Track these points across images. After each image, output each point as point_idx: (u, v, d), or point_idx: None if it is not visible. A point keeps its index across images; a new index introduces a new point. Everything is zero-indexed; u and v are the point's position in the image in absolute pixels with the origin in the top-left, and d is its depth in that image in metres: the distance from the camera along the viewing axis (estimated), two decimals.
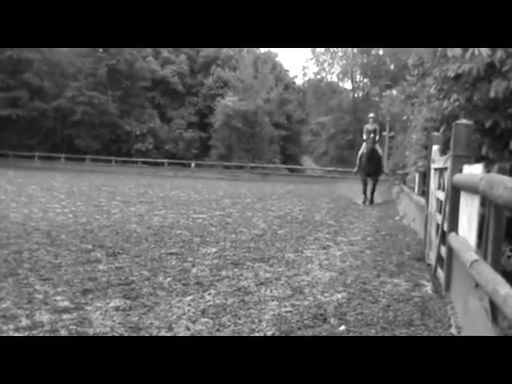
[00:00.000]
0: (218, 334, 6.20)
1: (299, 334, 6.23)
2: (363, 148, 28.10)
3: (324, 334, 6.24)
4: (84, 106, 68.68)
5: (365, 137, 27.68)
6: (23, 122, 68.15)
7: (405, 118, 23.50)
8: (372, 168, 27.48)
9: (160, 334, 6.12)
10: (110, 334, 6.03)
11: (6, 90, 67.01)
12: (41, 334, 5.92)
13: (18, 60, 67.21)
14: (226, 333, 6.25)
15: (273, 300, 7.79)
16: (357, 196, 29.42)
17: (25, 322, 6.38)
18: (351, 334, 6.20)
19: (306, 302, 7.70)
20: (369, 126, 27.74)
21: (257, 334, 6.20)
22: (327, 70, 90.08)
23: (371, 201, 27.72)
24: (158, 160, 69.65)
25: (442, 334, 6.14)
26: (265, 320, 6.78)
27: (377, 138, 27.76)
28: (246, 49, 77.65)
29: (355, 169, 29.30)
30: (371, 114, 29.10)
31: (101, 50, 71.05)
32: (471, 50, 9.60)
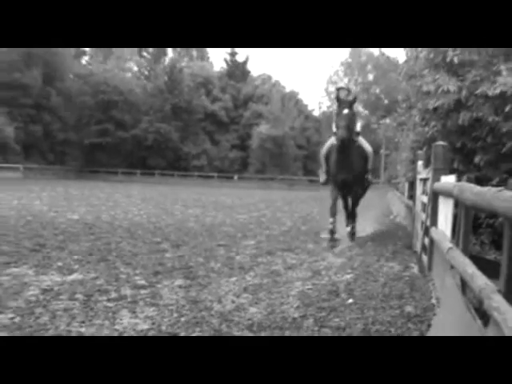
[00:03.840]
0: (257, 306, 6.23)
1: (318, 305, 6.23)
2: (330, 141, 12.68)
3: (337, 305, 6.24)
4: (154, 134, 69.52)
5: (334, 128, 12.09)
6: (110, 146, 69.26)
7: (396, 140, 23.42)
8: (349, 174, 12.06)
9: (211, 306, 6.17)
10: (174, 306, 6.08)
11: (99, 123, 68.35)
12: (125, 305, 6.00)
13: (108, 101, 68.30)
14: (263, 305, 6.27)
15: (297, 280, 7.78)
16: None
17: (113, 295, 6.47)
18: (357, 305, 6.19)
19: (323, 282, 7.69)
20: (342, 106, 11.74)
21: (285, 307, 6.21)
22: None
23: (351, 233, 12.64)
24: (210, 174, 70.05)
25: (425, 305, 6.12)
26: (291, 295, 6.78)
27: (358, 124, 12.52)
28: (275, 88, 77.68)
29: (321, 177, 13.02)
30: (341, 84, 11.67)
31: (167, 91, 71.54)
32: (442, 87, 9.87)
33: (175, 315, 5.67)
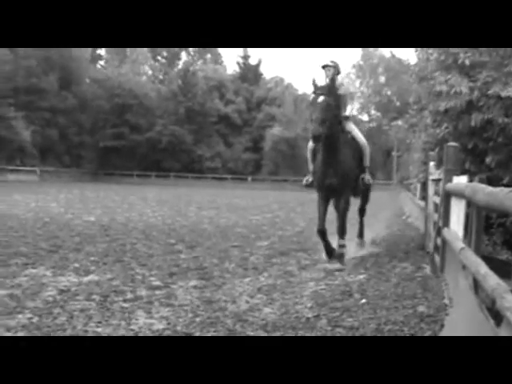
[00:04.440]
0: (271, 307, 6.23)
1: (331, 305, 6.22)
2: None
3: (350, 305, 6.23)
4: (168, 137, 69.88)
5: (312, 115, 8.97)
6: (125, 149, 69.73)
7: (408, 141, 23.36)
8: (337, 176, 9.29)
9: (226, 307, 6.17)
10: (189, 306, 6.09)
11: (114, 127, 68.85)
12: (140, 305, 6.02)
13: (123, 105, 68.75)
14: (277, 305, 6.27)
15: (311, 281, 7.77)
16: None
17: (129, 295, 6.49)
18: (370, 306, 6.17)
19: (336, 282, 7.68)
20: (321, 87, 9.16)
21: (299, 307, 6.20)
22: (349, 105, 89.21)
23: (339, 253, 9.37)
24: (223, 175, 70.16)
25: (438, 305, 6.09)
26: (305, 296, 6.78)
27: (347, 108, 10.22)
28: (287, 91, 77.65)
29: (306, 178, 10.19)
30: (328, 63, 9.60)
31: (181, 95, 71.85)
32: (454, 88, 9.83)
33: (190, 315, 5.68)
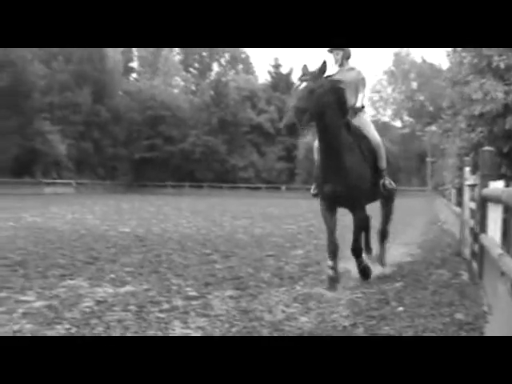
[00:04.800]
0: (307, 316, 6.19)
1: (367, 314, 6.16)
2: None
3: (387, 313, 6.17)
4: (201, 147, 70.38)
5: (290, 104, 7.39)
6: (159, 160, 70.44)
7: (442, 147, 23.12)
8: (340, 183, 7.54)
9: (262, 316, 6.16)
10: (225, 316, 6.09)
11: (148, 138, 69.61)
12: (176, 316, 6.04)
13: (156, 117, 69.52)
14: (313, 314, 6.23)
15: (347, 289, 7.72)
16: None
17: (165, 306, 6.51)
18: (408, 313, 6.11)
19: (372, 290, 7.59)
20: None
21: (335, 315, 6.16)
22: (381, 112, 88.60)
23: (362, 269, 8.21)
24: (257, 185, 70.20)
25: (476, 312, 6.00)
26: (341, 304, 6.74)
27: (359, 97, 8.16)
28: None
29: (313, 187, 8.37)
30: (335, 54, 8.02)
31: (213, 105, 72.33)
32: (490, 93, 9.70)
33: (226, 325, 5.67)
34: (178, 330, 5.47)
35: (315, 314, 6.23)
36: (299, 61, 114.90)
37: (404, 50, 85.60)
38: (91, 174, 64.33)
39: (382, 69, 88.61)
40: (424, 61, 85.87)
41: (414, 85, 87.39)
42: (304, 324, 5.76)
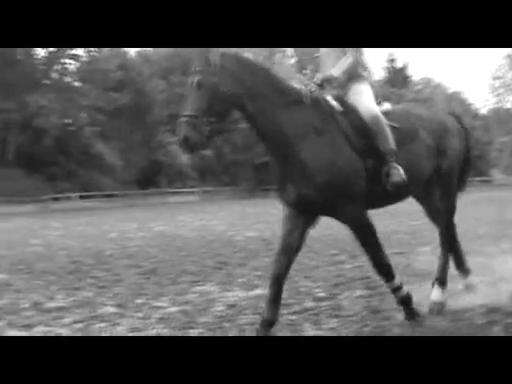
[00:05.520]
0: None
1: (505, 310, 5.90)
2: None
3: None
4: None
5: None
6: None
7: None
8: (302, 183, 5.21)
9: (394, 315, 6.04)
10: (356, 316, 6.04)
11: None
12: (307, 317, 6.05)
13: None
14: (445, 311, 6.05)
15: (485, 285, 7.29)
16: None
17: (296, 308, 6.55)
18: None
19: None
20: None
21: (469, 313, 5.92)
22: (505, 99, 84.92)
23: (400, 299, 5.59)
24: None
25: None
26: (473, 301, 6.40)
27: (337, 65, 5.36)
28: (437, 90, 75.50)
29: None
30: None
31: None
32: None
33: (358, 325, 5.63)
34: (310, 331, 5.49)
35: (448, 311, 6.04)
36: (413, 54, 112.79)
37: None
38: (214, 181, 65.86)
39: (501, 53, 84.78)
40: None
41: None
42: (438, 322, 5.61)
